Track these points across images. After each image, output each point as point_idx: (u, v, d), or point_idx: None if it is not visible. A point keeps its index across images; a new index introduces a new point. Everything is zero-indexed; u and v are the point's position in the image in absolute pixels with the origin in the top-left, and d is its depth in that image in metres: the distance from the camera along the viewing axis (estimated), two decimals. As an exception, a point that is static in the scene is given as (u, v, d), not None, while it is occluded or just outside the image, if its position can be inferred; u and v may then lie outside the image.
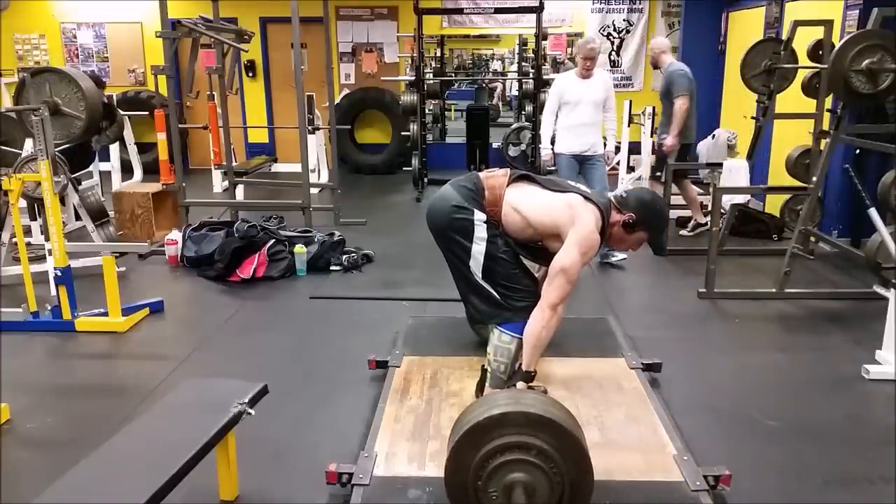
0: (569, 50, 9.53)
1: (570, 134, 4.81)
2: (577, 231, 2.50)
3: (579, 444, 1.88)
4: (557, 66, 8.77)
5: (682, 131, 5.41)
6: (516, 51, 10.34)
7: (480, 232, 2.63)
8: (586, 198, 2.61)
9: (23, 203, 4.35)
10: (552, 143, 4.97)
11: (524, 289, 2.68)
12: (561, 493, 1.88)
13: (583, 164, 4.85)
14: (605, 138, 4.94)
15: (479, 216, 2.63)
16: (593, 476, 1.90)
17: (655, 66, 5.74)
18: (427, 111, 9.16)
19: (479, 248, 2.63)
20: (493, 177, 2.72)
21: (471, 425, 1.88)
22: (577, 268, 2.49)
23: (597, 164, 4.82)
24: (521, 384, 2.54)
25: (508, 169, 2.80)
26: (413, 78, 7.80)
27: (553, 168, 5.09)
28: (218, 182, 7.71)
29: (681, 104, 5.34)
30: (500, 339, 2.63)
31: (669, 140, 5.42)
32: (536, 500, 1.86)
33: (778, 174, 5.77)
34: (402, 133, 8.33)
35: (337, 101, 7.88)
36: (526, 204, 2.63)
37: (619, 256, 5.00)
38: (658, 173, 6.18)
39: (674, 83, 5.41)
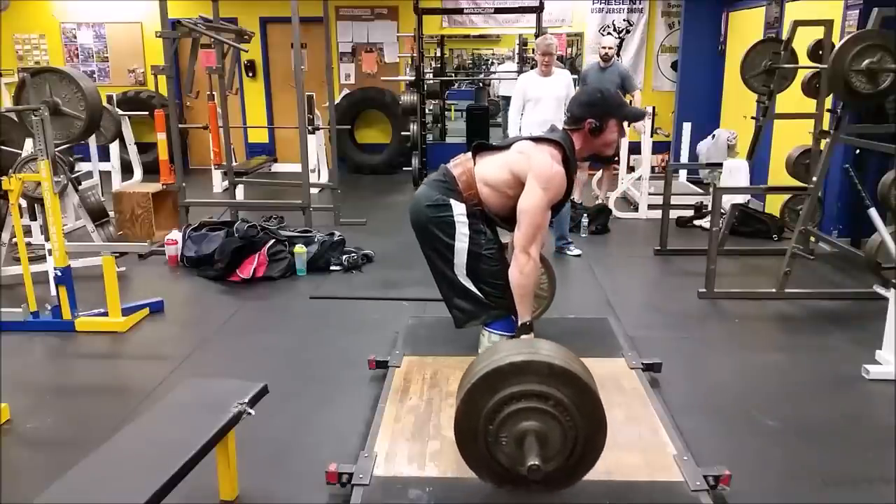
0: (569, 50, 9.54)
1: (534, 130, 5.06)
2: (533, 170, 2.50)
3: (597, 399, 1.86)
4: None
5: None
6: (516, 51, 10.33)
7: (462, 228, 2.61)
8: (537, 139, 2.63)
9: (22, 202, 4.34)
10: None
11: (508, 285, 2.63)
12: (573, 446, 1.86)
13: None
14: None
15: (459, 209, 2.61)
16: (606, 432, 1.89)
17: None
18: (427, 111, 9.15)
19: (461, 245, 2.61)
20: (459, 162, 2.72)
21: (490, 369, 1.84)
22: (541, 205, 2.46)
23: None
24: (525, 338, 2.51)
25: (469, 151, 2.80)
26: (413, 78, 7.80)
27: None
28: (218, 182, 7.71)
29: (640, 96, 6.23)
30: (489, 340, 2.62)
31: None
32: (548, 450, 1.84)
33: (778, 174, 5.77)
34: (402, 133, 8.33)
35: (337, 101, 7.88)
36: (489, 171, 2.63)
37: (574, 251, 5.21)
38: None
39: (630, 79, 6.10)
